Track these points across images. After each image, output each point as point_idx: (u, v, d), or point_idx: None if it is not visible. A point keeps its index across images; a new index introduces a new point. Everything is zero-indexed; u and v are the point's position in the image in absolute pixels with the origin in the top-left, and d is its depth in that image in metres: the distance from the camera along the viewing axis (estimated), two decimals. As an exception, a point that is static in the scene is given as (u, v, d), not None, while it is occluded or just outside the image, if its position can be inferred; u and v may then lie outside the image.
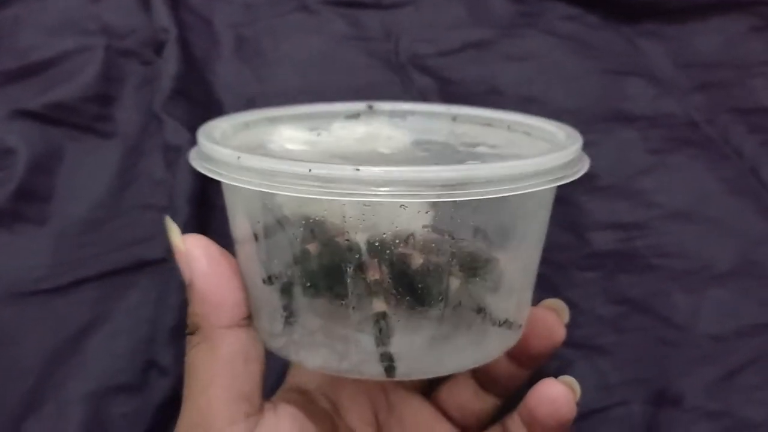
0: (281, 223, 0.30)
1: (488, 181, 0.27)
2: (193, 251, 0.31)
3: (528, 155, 0.34)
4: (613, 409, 0.41)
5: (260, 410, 0.31)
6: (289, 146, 0.34)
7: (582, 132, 0.56)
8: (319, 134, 0.36)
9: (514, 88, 0.59)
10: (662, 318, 0.45)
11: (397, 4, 0.62)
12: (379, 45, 0.60)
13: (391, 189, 0.26)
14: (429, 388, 0.39)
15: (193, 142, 0.50)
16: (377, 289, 0.29)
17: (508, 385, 0.38)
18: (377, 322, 0.29)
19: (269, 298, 0.31)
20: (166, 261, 0.46)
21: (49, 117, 0.51)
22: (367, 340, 0.30)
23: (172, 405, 0.42)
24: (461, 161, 0.32)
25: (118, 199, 0.49)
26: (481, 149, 0.35)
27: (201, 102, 0.54)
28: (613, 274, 0.48)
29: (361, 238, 0.28)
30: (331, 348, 0.31)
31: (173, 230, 0.32)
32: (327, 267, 0.29)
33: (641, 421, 0.40)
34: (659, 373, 0.43)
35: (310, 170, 0.26)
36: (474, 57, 0.60)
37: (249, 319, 0.31)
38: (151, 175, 0.50)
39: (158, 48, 0.56)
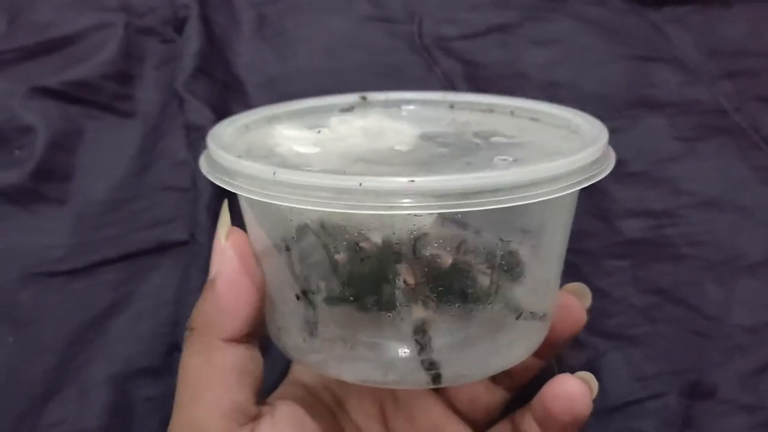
0: (317, 235, 0.28)
1: (532, 184, 0.26)
2: (229, 251, 0.30)
3: (547, 143, 0.33)
4: (649, 402, 0.40)
5: (255, 417, 0.30)
6: (298, 149, 0.32)
7: (609, 118, 0.55)
8: (319, 132, 0.34)
9: (540, 73, 0.58)
10: (694, 308, 0.45)
11: (420, -15, 0.61)
12: (402, 26, 0.59)
13: (446, 201, 0.24)
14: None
15: (216, 121, 0.50)
16: (416, 296, 0.28)
17: (520, 376, 0.37)
18: (418, 329, 0.28)
19: (303, 313, 0.30)
20: (188, 243, 0.46)
21: (69, 95, 0.50)
22: (409, 349, 0.29)
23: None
24: (489, 157, 0.31)
25: (139, 180, 0.48)
26: (497, 140, 0.34)
27: (222, 81, 0.53)
28: (643, 263, 0.47)
29: (398, 246, 0.27)
30: (373, 361, 0.30)
31: (223, 220, 0.31)
32: (365, 278, 0.28)
33: (676, 413, 0.40)
34: (693, 365, 0.42)
35: (360, 184, 0.24)
36: (498, 40, 0.59)
37: (250, 336, 0.30)
38: (172, 156, 0.49)
39: (178, 26, 0.55)
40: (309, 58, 0.56)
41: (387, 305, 0.28)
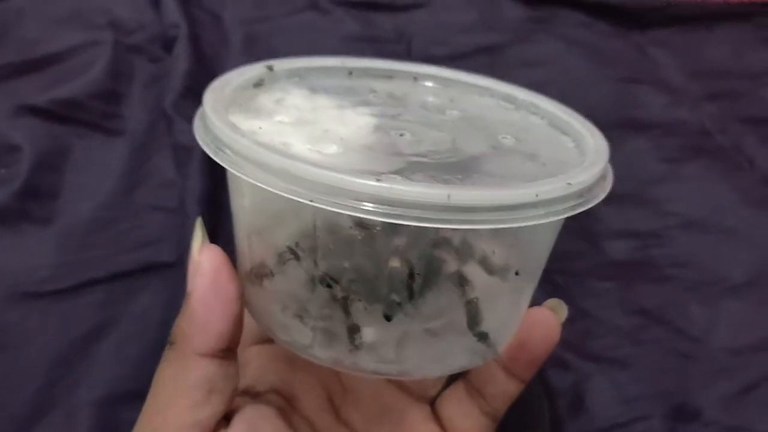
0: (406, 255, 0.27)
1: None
2: (203, 264, 0.29)
3: (495, 115, 0.34)
4: (634, 425, 0.40)
5: None
6: (315, 147, 0.29)
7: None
8: (281, 121, 0.31)
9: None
10: (678, 330, 0.45)
11: (409, 7, 0.61)
12: (392, 46, 0.59)
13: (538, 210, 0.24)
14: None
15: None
16: (463, 276, 0.28)
17: (496, 399, 0.35)
18: (472, 306, 0.28)
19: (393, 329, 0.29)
20: (175, 265, 0.45)
21: (56, 113, 0.50)
22: (469, 327, 0.29)
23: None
24: (492, 135, 0.31)
25: (126, 200, 0.48)
26: (456, 113, 0.34)
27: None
28: (629, 284, 0.47)
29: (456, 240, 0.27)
30: (464, 346, 0.29)
31: (198, 234, 0.30)
32: (428, 275, 0.27)
33: (662, 435, 0.40)
34: (677, 387, 0.42)
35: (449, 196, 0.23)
36: (486, 61, 0.60)
37: (229, 351, 0.30)
38: (160, 176, 0.49)
39: (167, 44, 0.55)
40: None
41: (452, 291, 0.28)
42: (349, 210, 0.24)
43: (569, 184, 0.25)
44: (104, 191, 0.48)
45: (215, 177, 0.48)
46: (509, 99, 0.37)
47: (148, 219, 0.47)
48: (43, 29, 0.55)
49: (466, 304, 0.28)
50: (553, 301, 0.35)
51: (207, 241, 0.30)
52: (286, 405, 0.35)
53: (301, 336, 0.30)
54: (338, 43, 0.59)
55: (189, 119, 0.50)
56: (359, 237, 0.27)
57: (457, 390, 0.37)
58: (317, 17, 0.60)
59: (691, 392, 0.42)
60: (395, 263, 0.27)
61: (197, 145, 0.47)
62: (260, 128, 0.30)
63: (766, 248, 0.49)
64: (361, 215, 0.24)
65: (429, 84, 0.39)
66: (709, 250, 0.50)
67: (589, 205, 0.27)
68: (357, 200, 0.23)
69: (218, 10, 0.59)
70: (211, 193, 0.47)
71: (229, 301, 0.29)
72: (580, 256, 0.49)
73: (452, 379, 0.37)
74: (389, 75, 0.39)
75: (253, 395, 0.35)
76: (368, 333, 0.29)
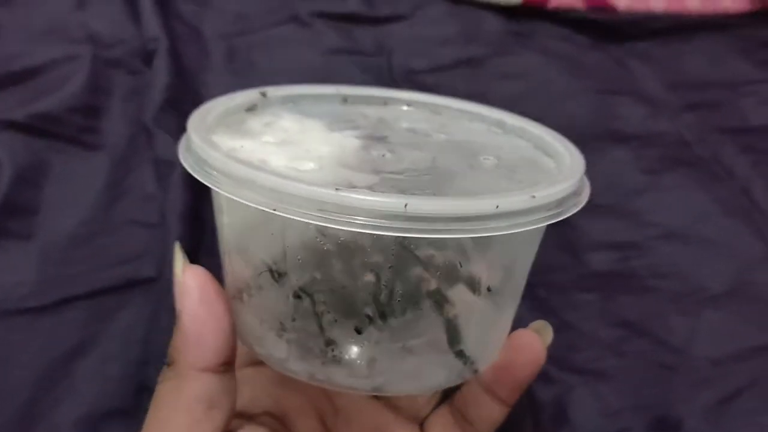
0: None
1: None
2: (188, 284, 0.30)
3: (486, 140, 0.35)
4: (617, 436, 0.41)
5: None
6: (295, 165, 0.30)
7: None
8: (266, 141, 0.32)
9: (506, 106, 0.58)
10: (660, 341, 0.45)
11: (390, 19, 0.62)
12: (372, 59, 0.60)
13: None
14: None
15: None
16: (441, 295, 0.28)
17: (481, 423, 0.36)
18: (451, 324, 0.28)
19: (366, 347, 0.29)
20: (157, 280, 0.45)
21: (34, 128, 0.49)
22: (449, 345, 0.29)
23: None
24: (472, 156, 0.32)
25: (106, 215, 0.47)
26: (443, 137, 0.35)
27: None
28: (610, 296, 0.47)
29: (430, 259, 0.27)
30: (441, 365, 0.30)
31: (178, 258, 0.30)
32: (405, 291, 0.28)
33: (644, 448, 0.40)
34: (659, 399, 0.43)
35: (406, 205, 0.24)
36: (466, 74, 0.60)
37: (227, 366, 0.30)
38: (141, 190, 0.49)
39: (147, 58, 0.55)
40: (279, 91, 0.56)
41: (430, 310, 0.28)
42: (309, 218, 0.24)
43: (533, 197, 0.26)
44: (84, 206, 0.48)
45: (196, 191, 0.48)
46: (499, 124, 0.38)
47: (129, 234, 0.47)
48: (20, 43, 0.55)
49: (445, 322, 0.28)
50: (538, 324, 0.35)
51: (188, 263, 0.30)
52: (280, 427, 0.36)
53: (277, 350, 0.31)
54: (319, 56, 0.59)
55: (169, 133, 0.51)
56: (329, 249, 0.27)
57: (444, 412, 0.37)
58: (298, 30, 0.60)
59: (672, 403, 0.43)
60: (369, 277, 0.28)
61: (177, 159, 0.47)
62: (242, 147, 0.31)
63: (745, 258, 0.50)
64: (321, 223, 0.24)
65: (421, 110, 0.39)
66: (690, 261, 0.50)
67: (557, 219, 0.27)
68: (318, 210, 0.24)
69: (198, 24, 0.58)
70: (193, 207, 0.47)
71: (219, 315, 0.30)
72: (561, 268, 0.49)
73: (444, 399, 0.37)
74: (383, 102, 0.39)
75: (248, 418, 0.35)
76: (340, 347, 0.29)
